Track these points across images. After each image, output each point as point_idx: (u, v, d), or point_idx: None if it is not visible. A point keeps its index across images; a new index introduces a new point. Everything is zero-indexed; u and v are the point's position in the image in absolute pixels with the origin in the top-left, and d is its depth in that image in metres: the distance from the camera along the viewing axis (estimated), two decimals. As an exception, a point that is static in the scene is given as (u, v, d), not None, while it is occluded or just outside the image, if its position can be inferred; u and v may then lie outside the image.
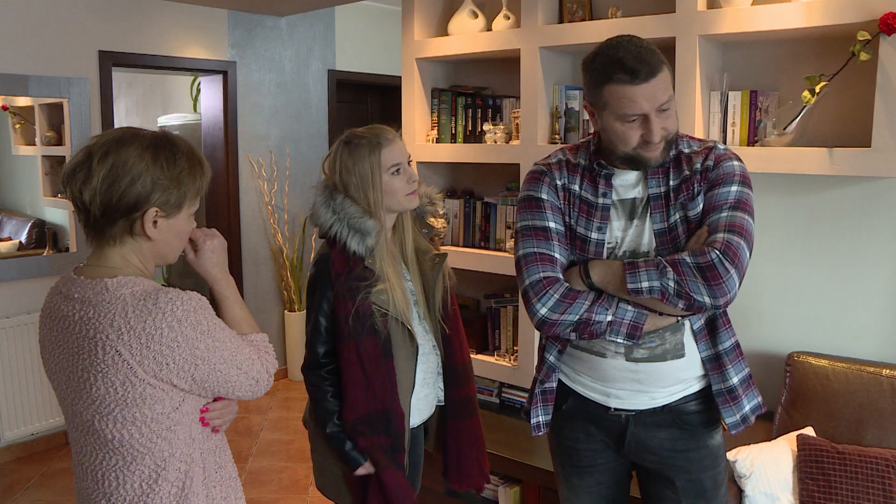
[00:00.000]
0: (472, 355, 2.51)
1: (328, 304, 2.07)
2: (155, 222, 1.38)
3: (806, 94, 2.43)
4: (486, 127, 3.37)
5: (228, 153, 5.05)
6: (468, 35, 3.31)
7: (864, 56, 2.32)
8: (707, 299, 1.70)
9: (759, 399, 1.94)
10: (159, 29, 4.57)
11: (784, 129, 2.56)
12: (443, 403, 2.29)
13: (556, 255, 1.83)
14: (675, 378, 1.87)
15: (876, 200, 2.57)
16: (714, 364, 1.87)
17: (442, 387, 2.28)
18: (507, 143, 3.31)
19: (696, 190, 1.81)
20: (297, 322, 5.31)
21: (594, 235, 1.85)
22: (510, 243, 3.33)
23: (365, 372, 2.03)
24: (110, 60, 4.27)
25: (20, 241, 4.40)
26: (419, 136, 3.56)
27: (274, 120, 5.35)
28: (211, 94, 5.11)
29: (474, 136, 3.47)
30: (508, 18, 3.23)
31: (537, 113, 3.10)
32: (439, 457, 2.35)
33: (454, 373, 2.26)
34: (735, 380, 1.87)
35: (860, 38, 2.32)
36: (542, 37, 3.04)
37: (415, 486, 2.26)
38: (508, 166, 3.37)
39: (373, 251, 2.04)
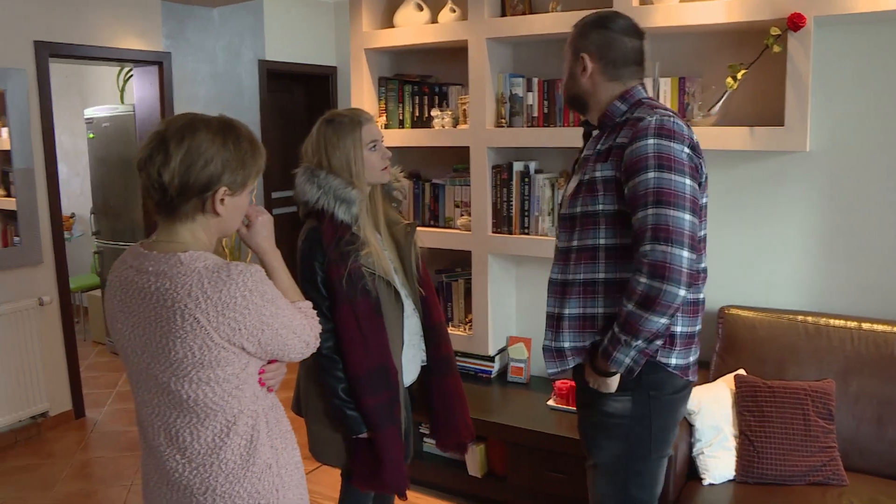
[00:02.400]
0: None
1: (322, 271, 2.24)
2: (222, 200, 1.51)
3: (729, 80, 2.78)
4: (433, 113, 3.60)
5: (166, 143, 5.06)
6: (416, 27, 3.53)
7: (776, 48, 2.68)
8: (662, 321, 1.79)
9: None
10: (94, 19, 4.55)
11: (709, 110, 2.91)
12: (426, 363, 2.49)
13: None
14: None
15: (789, 171, 2.96)
16: (551, 322, 2.05)
17: (424, 348, 2.48)
18: (455, 127, 3.55)
19: (600, 162, 1.92)
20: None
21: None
22: (460, 220, 3.58)
23: (361, 331, 2.22)
24: (47, 51, 4.24)
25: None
26: (370, 123, 3.75)
27: (209, 110, 5.30)
28: (145, 84, 5.12)
29: (422, 122, 3.69)
30: (454, 11, 3.47)
31: (485, 99, 3.36)
32: (425, 418, 2.54)
33: (434, 333, 2.47)
34: (567, 343, 2.02)
35: (772, 33, 2.68)
36: (489, 29, 3.30)
37: (409, 446, 2.46)
38: (456, 149, 3.62)
39: (357, 219, 2.24)
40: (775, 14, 2.67)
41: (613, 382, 1.95)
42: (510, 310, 3.70)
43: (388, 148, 2.34)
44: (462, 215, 3.61)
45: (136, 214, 5.57)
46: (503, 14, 3.41)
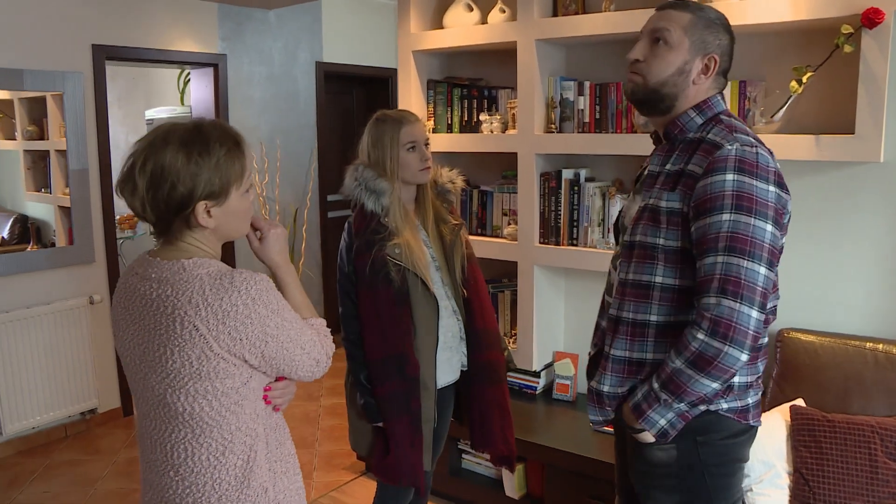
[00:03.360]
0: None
1: (350, 257, 2.33)
2: (208, 211, 1.43)
3: (794, 83, 2.56)
4: (482, 117, 3.47)
5: (221, 145, 5.09)
6: (464, 28, 3.41)
7: (847, 48, 2.45)
8: (715, 385, 1.58)
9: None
10: (151, 22, 4.60)
11: (772, 117, 2.69)
12: (466, 369, 2.46)
13: None
14: None
15: (859, 184, 2.72)
16: (600, 361, 1.83)
17: (465, 352, 2.45)
18: (504, 132, 3.42)
19: (666, 191, 1.68)
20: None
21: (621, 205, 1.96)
22: (507, 229, 3.44)
23: (380, 318, 2.27)
24: (104, 54, 4.29)
25: (2, 237, 4.40)
26: (416, 127, 3.65)
27: (264, 112, 5.40)
28: (202, 86, 5.15)
29: (470, 126, 3.57)
30: (504, 12, 3.33)
31: (534, 103, 3.21)
32: (466, 423, 2.53)
33: (475, 338, 2.45)
34: (606, 387, 1.79)
35: (844, 32, 2.45)
36: (539, 30, 3.15)
37: (437, 448, 2.47)
38: (505, 155, 3.48)
39: (387, 210, 2.31)
40: (848, 10, 2.44)
41: (648, 434, 1.73)
42: (557, 324, 3.54)
43: (436, 153, 2.39)
44: (510, 224, 3.47)
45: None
46: (555, 14, 3.26)
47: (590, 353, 1.98)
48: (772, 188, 1.59)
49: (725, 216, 1.56)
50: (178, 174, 1.38)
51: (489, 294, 2.66)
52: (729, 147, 1.61)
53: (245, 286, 1.39)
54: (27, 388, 4.08)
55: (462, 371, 2.49)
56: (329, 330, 1.65)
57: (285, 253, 1.65)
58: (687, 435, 1.70)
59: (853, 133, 2.50)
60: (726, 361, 1.54)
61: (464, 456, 3.39)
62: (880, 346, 2.60)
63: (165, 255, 1.46)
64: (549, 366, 3.52)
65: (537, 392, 3.50)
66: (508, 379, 3.48)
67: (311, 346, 1.52)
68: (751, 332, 1.54)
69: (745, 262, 1.54)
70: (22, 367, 4.06)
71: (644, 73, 1.73)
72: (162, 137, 1.41)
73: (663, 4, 1.80)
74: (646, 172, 1.82)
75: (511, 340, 3.47)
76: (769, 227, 1.57)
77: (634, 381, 1.75)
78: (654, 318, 1.71)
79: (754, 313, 1.54)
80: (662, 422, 1.67)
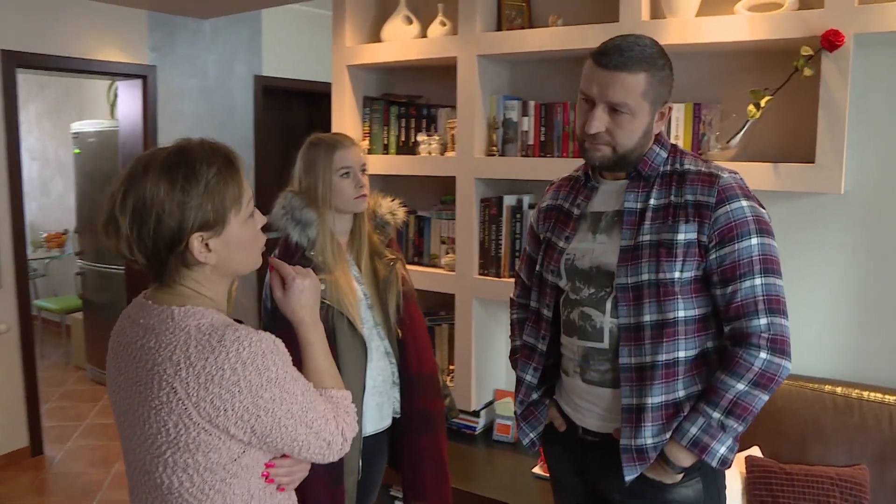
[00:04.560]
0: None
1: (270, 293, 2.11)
2: (206, 245, 1.24)
3: (751, 107, 2.37)
4: (420, 138, 3.23)
5: (147, 162, 4.77)
6: (402, 42, 3.17)
7: (807, 72, 2.28)
8: (766, 398, 1.65)
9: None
10: (71, 29, 4.27)
11: (727, 142, 2.51)
12: (398, 416, 2.27)
13: None
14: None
15: (818, 215, 2.54)
16: (628, 416, 1.70)
17: (398, 398, 2.26)
18: (443, 154, 3.19)
19: (681, 223, 1.66)
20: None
21: (561, 244, 1.84)
22: (445, 259, 3.20)
23: (298, 360, 2.02)
24: (14, 61, 3.96)
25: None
26: (351, 147, 3.40)
27: (197, 128, 5.09)
28: (129, 99, 4.83)
29: (408, 147, 3.33)
30: (444, 25, 3.11)
31: (475, 124, 2.99)
32: (396, 478, 2.34)
33: (408, 384, 2.25)
34: (649, 439, 1.69)
35: (803, 54, 2.28)
36: (480, 44, 2.93)
37: (367, 500, 2.28)
38: (444, 179, 3.25)
39: (314, 243, 2.13)
40: (808, 31, 2.27)
41: (675, 473, 1.70)
42: (497, 360, 3.30)
43: (371, 175, 2.22)
44: (448, 253, 3.22)
45: (118, 235, 5.26)
46: (499, 28, 3.04)
47: (522, 401, 1.94)
48: (763, 209, 1.70)
49: (754, 240, 1.63)
50: (162, 205, 1.20)
51: (428, 333, 2.41)
52: (725, 176, 1.67)
53: (236, 347, 1.18)
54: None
55: (395, 418, 2.29)
56: (353, 406, 1.42)
57: (313, 308, 1.44)
58: (704, 464, 1.68)
59: (813, 162, 2.32)
60: (783, 374, 1.63)
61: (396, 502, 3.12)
62: (839, 388, 2.43)
63: (158, 298, 1.28)
64: (489, 405, 3.28)
65: (476, 433, 3.25)
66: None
67: (321, 424, 1.29)
68: (790, 342, 1.66)
69: (777, 279, 1.66)
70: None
71: (611, 143, 1.70)
72: (143, 166, 1.23)
73: (609, 62, 1.65)
74: (614, 211, 1.76)
75: (448, 378, 3.22)
76: (776, 244, 1.70)
77: (673, 424, 1.69)
78: (682, 354, 1.68)
79: (789, 324, 1.66)
80: (724, 450, 1.65)
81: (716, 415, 1.63)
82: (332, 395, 1.38)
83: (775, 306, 1.64)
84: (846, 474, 2.24)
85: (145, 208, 1.20)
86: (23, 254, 4.11)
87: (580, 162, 2.81)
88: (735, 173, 1.70)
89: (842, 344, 2.54)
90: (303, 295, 1.41)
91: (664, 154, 1.75)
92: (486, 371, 3.22)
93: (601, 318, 1.74)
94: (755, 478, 2.27)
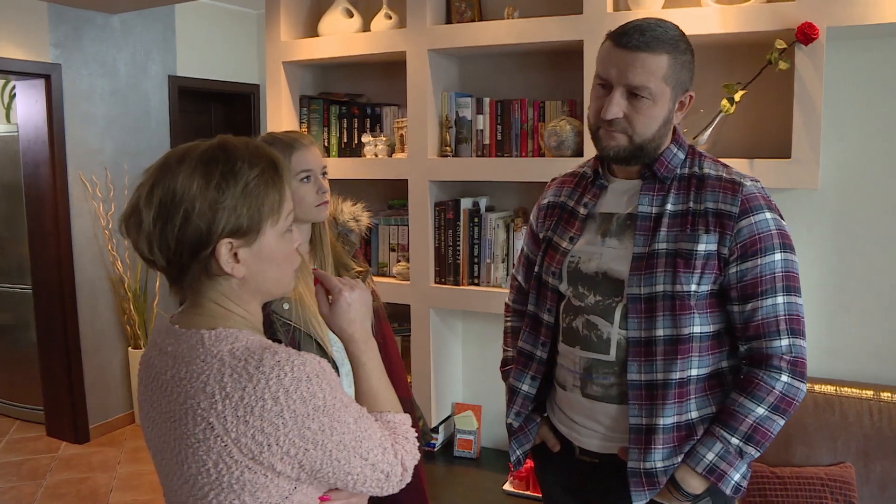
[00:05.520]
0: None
1: None
2: (235, 254, 1.11)
3: (725, 102, 2.29)
4: (364, 139, 3.03)
5: (55, 171, 4.36)
6: (344, 36, 2.96)
7: (782, 65, 2.21)
8: (783, 422, 1.56)
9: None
10: (-38, 24, 3.85)
11: (695, 138, 2.42)
12: None
13: None
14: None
15: (793, 211, 2.47)
16: (637, 437, 1.59)
17: None
18: (391, 156, 2.99)
19: (700, 232, 1.54)
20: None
21: (564, 244, 1.70)
22: (396, 267, 3.01)
23: None
24: None
25: None
26: (289, 150, 3.16)
27: (108, 132, 4.70)
28: (31, 101, 4.40)
29: (351, 149, 3.12)
30: (390, 18, 2.92)
31: (426, 123, 2.81)
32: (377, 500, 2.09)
33: None
34: (660, 462, 1.57)
35: (777, 47, 2.21)
36: (431, 38, 2.75)
37: None
38: (392, 182, 3.06)
39: None
40: (781, 24, 2.20)
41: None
42: (455, 373, 3.13)
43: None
44: (399, 261, 3.03)
45: (21, 250, 4.80)
46: (448, 22, 2.87)
47: (519, 413, 1.79)
48: (784, 221, 1.60)
49: (778, 256, 1.53)
50: (193, 202, 1.08)
51: (400, 353, 2.22)
52: (748, 184, 1.56)
53: (276, 373, 1.05)
54: None
55: None
56: (413, 431, 1.25)
57: (364, 323, 1.29)
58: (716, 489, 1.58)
59: (789, 157, 2.25)
60: (800, 398, 1.55)
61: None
62: (817, 386, 2.41)
63: (186, 321, 1.16)
64: (447, 419, 3.11)
65: (436, 449, 3.07)
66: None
67: (377, 454, 1.15)
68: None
69: (798, 298, 1.56)
70: None
71: (628, 131, 1.56)
72: (177, 158, 1.12)
73: (629, 42, 1.50)
74: (626, 214, 1.63)
75: (405, 394, 3.03)
76: (797, 259, 1.59)
77: (685, 447, 1.58)
78: (695, 372, 1.57)
79: (806, 345, 1.58)
80: (738, 476, 1.55)
81: (734, 440, 1.52)
82: (388, 420, 1.24)
83: (796, 327, 1.55)
84: (834, 474, 2.21)
85: (173, 203, 1.08)
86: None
87: (540, 161, 2.70)
88: (757, 181, 1.59)
89: (817, 341, 2.49)
90: (351, 309, 1.27)
91: (682, 155, 1.62)
92: (445, 384, 3.05)
93: (609, 329, 1.61)
94: (749, 485, 2.18)
